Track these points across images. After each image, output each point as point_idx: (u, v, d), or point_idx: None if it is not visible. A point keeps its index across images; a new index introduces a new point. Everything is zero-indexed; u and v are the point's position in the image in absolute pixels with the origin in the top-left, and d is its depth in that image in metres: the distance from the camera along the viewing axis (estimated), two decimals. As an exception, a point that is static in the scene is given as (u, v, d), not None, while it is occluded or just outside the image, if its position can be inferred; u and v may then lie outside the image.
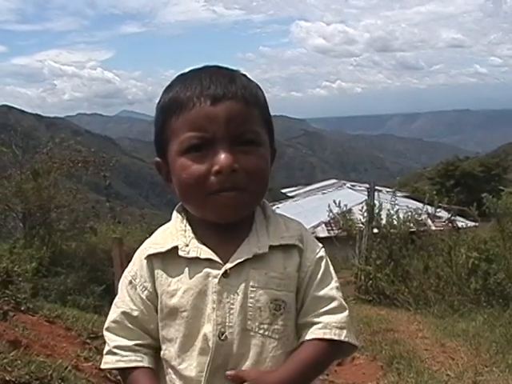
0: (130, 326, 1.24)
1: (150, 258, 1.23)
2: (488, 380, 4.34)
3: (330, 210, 11.74)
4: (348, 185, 31.01)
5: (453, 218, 10.36)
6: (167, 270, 1.21)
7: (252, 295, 1.17)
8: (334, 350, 1.20)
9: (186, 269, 1.19)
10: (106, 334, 1.27)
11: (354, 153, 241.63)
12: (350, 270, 10.27)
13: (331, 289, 1.22)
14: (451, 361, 4.93)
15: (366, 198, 10.49)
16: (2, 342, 3.63)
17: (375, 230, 9.74)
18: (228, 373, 1.16)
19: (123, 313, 1.24)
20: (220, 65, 1.27)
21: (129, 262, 1.30)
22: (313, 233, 15.77)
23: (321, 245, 1.28)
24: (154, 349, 1.25)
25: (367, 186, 12.17)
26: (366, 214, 9.85)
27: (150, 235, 1.30)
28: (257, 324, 1.17)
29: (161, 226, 1.31)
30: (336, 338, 1.18)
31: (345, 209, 11.58)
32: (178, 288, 1.19)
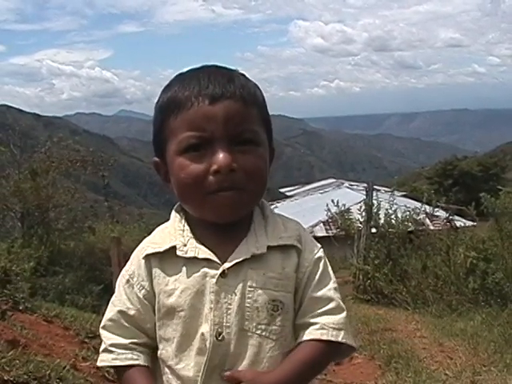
0: (126, 324, 1.24)
1: (148, 257, 1.23)
2: (486, 379, 4.34)
3: (329, 210, 11.77)
4: (346, 184, 31.02)
5: (451, 217, 10.36)
6: (165, 269, 1.21)
7: (250, 295, 1.17)
8: (331, 351, 1.20)
9: (184, 268, 1.19)
10: (102, 332, 1.27)
11: (352, 152, 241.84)
12: (349, 270, 10.29)
13: (329, 289, 1.22)
14: (449, 360, 4.93)
15: (365, 197, 10.52)
16: (0, 341, 3.62)
17: (373, 230, 9.76)
18: (224, 374, 1.15)
19: (120, 311, 1.24)
20: (218, 64, 1.27)
21: (127, 261, 1.30)
22: (311, 232, 15.79)
23: (319, 245, 1.27)
24: (150, 348, 1.25)
25: (365, 185, 12.20)
26: (364, 214, 9.86)
27: (149, 234, 1.30)
28: (254, 324, 1.17)
29: (159, 225, 1.31)
30: (333, 339, 1.18)
31: (343, 208, 11.61)
32: (176, 287, 1.18)
